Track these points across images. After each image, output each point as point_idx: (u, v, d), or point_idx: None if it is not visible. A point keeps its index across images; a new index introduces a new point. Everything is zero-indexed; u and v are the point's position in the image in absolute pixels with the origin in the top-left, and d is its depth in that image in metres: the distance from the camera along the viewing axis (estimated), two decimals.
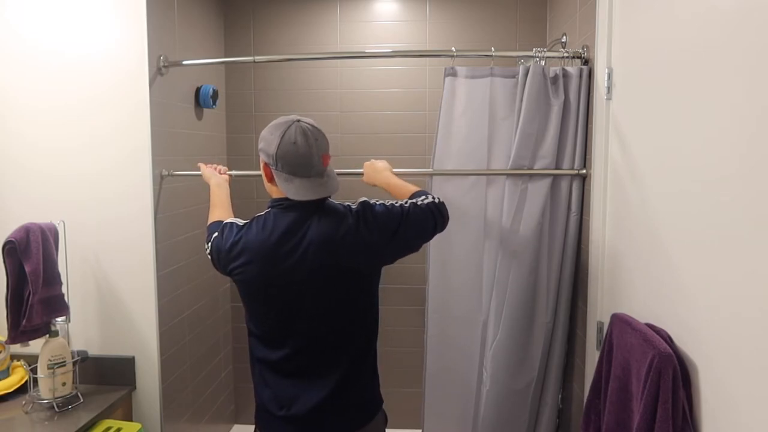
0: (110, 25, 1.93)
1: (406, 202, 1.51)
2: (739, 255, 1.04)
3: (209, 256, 1.53)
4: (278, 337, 1.45)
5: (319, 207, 1.42)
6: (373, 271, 1.48)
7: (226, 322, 2.83)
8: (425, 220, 1.50)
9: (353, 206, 1.45)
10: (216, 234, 1.50)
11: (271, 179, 1.44)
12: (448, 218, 1.58)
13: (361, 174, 1.87)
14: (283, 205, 1.42)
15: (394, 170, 1.84)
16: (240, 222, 1.48)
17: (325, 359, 1.45)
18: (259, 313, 1.46)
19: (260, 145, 1.43)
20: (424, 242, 1.54)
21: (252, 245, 1.40)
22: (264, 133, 1.42)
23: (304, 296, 1.40)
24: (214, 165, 2.02)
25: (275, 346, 1.45)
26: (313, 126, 1.41)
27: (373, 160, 1.87)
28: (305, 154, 1.36)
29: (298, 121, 1.39)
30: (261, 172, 1.46)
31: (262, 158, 1.43)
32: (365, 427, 1.49)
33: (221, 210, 1.71)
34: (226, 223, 1.50)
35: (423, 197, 1.56)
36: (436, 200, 1.56)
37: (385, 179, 1.79)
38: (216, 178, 1.89)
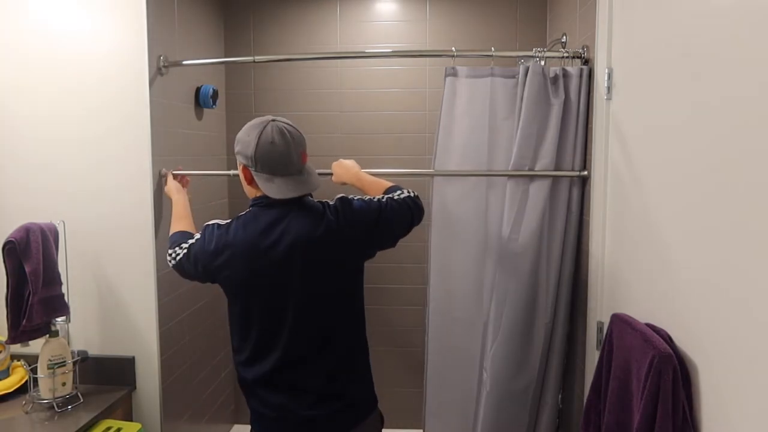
0: (110, 25, 1.93)
1: (383, 197, 1.54)
2: (740, 255, 1.04)
3: (175, 262, 1.51)
4: (267, 339, 1.44)
5: (298, 204, 1.43)
6: (354, 265, 1.50)
7: (226, 323, 2.81)
8: (403, 214, 1.54)
9: (331, 203, 1.48)
10: (197, 238, 1.49)
11: (250, 181, 1.45)
12: (423, 211, 1.62)
13: (331, 174, 1.88)
14: (263, 203, 1.44)
15: (394, 170, 1.85)
16: (221, 222, 1.48)
17: (312, 358, 1.44)
18: (245, 314, 1.45)
19: (237, 148, 1.43)
20: (401, 236, 1.57)
21: (234, 241, 1.41)
22: (240, 135, 1.43)
23: (288, 293, 1.41)
24: (179, 174, 2.05)
25: (263, 350, 1.45)
26: (289, 124, 1.42)
27: (341, 159, 1.90)
28: (283, 153, 1.38)
29: (274, 120, 1.40)
30: (240, 174, 1.47)
31: (240, 161, 1.44)
32: (359, 426, 1.49)
33: (187, 222, 1.73)
34: (207, 225, 1.49)
35: (399, 192, 1.60)
36: (412, 194, 1.61)
37: (355, 176, 1.81)
38: (179, 193, 1.92)
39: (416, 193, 1.63)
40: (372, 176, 1.81)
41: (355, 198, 1.51)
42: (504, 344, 1.97)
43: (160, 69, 2.05)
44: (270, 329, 1.44)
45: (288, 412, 1.44)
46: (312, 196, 1.50)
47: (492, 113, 1.97)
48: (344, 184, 1.86)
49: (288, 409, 1.43)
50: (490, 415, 2.00)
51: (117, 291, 2.01)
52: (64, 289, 1.89)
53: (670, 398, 1.16)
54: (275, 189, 1.39)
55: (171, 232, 1.64)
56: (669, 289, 1.32)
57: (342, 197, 1.50)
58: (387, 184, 1.73)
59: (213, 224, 1.48)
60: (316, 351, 1.45)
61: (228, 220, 1.47)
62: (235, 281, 1.43)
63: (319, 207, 1.45)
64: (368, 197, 1.54)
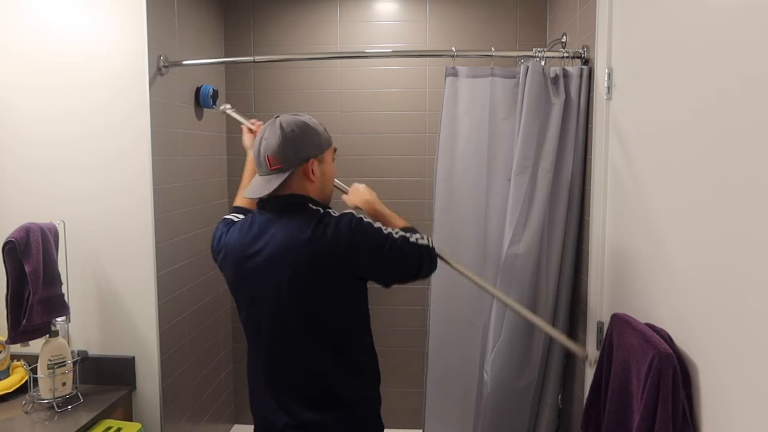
0: (110, 25, 1.93)
1: (396, 231, 1.37)
2: (739, 255, 1.04)
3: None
4: (254, 341, 1.43)
5: (291, 211, 1.34)
6: (337, 289, 1.33)
7: (226, 322, 2.83)
8: (411, 258, 1.36)
9: (334, 214, 1.35)
10: (217, 226, 1.50)
11: None
12: (436, 266, 1.44)
13: (345, 192, 1.69)
14: (259, 205, 1.42)
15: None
16: (235, 218, 1.48)
17: (296, 365, 1.37)
18: (241, 316, 1.45)
19: None
20: (398, 282, 1.39)
21: (228, 242, 1.41)
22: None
23: (264, 304, 1.36)
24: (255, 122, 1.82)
25: (254, 350, 1.44)
26: (283, 126, 1.34)
27: (355, 183, 1.67)
28: (258, 150, 1.37)
29: (278, 116, 1.39)
30: None
31: None
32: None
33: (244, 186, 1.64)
34: (224, 218, 1.51)
35: (417, 235, 1.41)
36: (429, 243, 1.41)
37: (366, 202, 1.59)
38: (251, 151, 1.66)
39: (433, 244, 1.43)
40: (389, 210, 1.58)
41: (365, 218, 1.35)
42: (505, 345, 1.96)
43: (160, 69, 2.05)
44: (255, 332, 1.42)
45: (270, 425, 1.42)
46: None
47: (492, 113, 1.97)
48: (357, 207, 1.60)
49: (270, 421, 1.41)
50: (490, 415, 2.00)
51: (117, 291, 2.01)
52: (64, 289, 1.89)
53: (670, 398, 1.16)
54: (250, 186, 1.39)
55: (237, 197, 1.63)
56: (669, 289, 1.32)
57: (351, 214, 1.35)
58: (404, 222, 1.52)
59: (227, 219, 1.49)
60: (298, 361, 1.36)
61: (242, 216, 1.46)
62: (229, 283, 1.44)
63: (311, 219, 1.32)
64: (379, 224, 1.36)
